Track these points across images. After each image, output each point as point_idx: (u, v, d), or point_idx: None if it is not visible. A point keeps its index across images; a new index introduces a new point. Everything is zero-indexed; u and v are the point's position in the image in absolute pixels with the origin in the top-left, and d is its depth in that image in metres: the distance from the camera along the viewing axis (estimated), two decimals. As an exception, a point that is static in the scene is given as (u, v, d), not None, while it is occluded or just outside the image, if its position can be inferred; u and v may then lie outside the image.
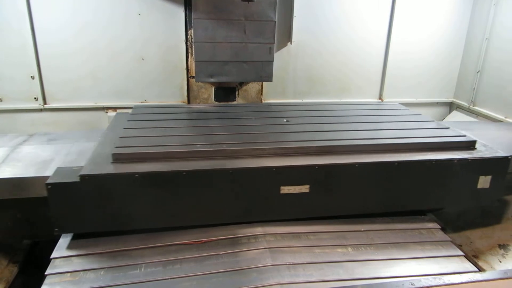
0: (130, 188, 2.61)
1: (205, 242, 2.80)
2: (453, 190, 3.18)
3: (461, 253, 2.87)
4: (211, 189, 2.76)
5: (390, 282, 2.09)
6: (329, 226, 3.05)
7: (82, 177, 2.51)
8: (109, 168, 2.63)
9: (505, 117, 4.69)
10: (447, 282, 2.07)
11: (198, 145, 2.93)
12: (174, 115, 3.74)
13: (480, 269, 3.06)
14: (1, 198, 2.76)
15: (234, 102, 4.77)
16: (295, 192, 2.86)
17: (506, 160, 3.15)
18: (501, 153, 3.19)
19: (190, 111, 3.95)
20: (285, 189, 2.84)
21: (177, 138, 3.10)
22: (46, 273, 2.48)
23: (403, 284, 2.00)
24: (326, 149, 3.04)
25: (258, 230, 2.93)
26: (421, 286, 2.01)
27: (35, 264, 3.00)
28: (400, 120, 3.80)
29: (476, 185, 3.16)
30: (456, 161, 3.05)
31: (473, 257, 3.25)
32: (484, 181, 3.17)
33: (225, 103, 4.75)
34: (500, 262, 3.18)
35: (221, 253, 2.70)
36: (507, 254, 3.23)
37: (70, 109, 4.58)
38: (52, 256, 2.61)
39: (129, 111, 3.92)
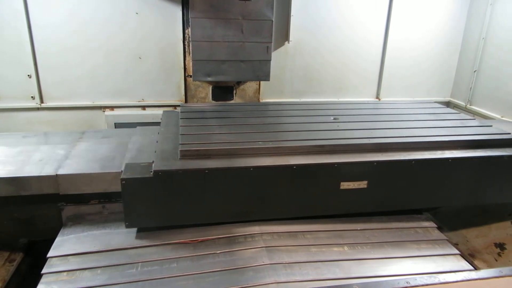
0: (199, 183, 2.71)
1: (202, 241, 2.80)
2: (498, 186, 3.24)
3: (457, 251, 2.88)
4: (275, 185, 2.85)
5: (386, 281, 2.09)
6: (325, 225, 3.06)
7: (156, 172, 2.60)
8: (179, 164, 2.72)
9: (502, 116, 4.71)
10: (442, 280, 2.07)
11: (260, 142, 3.01)
12: (224, 113, 3.76)
13: (476, 268, 3.07)
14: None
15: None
16: (354, 187, 2.96)
17: None
18: None
19: (236, 110, 3.96)
20: (345, 185, 2.94)
21: (236, 135, 3.16)
22: (42, 272, 2.47)
23: (398, 283, 1.99)
24: (381, 146, 3.12)
25: (255, 229, 2.93)
26: (417, 284, 2.01)
27: (31, 263, 2.99)
28: (444, 118, 3.86)
29: None
30: (505, 157, 3.11)
31: (469, 255, 3.27)
32: None
33: (273, 100, 4.85)
34: (496, 260, 3.19)
35: (217, 252, 2.70)
36: (503, 253, 3.24)
37: (67, 108, 4.58)
38: (49, 255, 2.61)
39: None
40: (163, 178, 2.64)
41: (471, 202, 3.35)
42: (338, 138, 3.17)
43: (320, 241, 2.89)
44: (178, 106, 4.78)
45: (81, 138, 3.50)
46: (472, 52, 5.21)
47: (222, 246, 2.76)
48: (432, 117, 3.91)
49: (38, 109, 4.53)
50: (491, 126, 3.62)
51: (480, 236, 3.45)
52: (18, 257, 2.89)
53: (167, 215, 2.79)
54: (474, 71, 5.15)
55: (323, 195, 2.97)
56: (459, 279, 2.10)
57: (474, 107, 5.18)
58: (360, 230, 3.05)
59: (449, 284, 2.08)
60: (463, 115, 4.02)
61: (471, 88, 5.22)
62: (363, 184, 2.96)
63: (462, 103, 5.38)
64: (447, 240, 3.01)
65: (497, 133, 3.41)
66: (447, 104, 5.70)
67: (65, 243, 2.73)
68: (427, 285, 2.02)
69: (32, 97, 4.46)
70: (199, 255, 2.67)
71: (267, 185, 2.84)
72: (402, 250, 2.86)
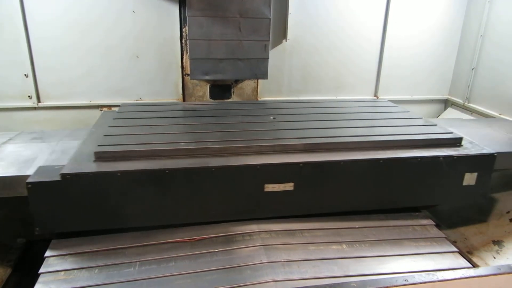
0: (112, 186, 2.60)
1: (199, 239, 2.80)
2: (439, 187, 3.18)
3: (455, 249, 2.88)
4: (194, 187, 2.75)
5: (384, 279, 2.09)
6: (323, 223, 3.07)
7: (63, 175, 2.49)
8: (91, 167, 2.62)
9: (500, 114, 4.70)
10: (440, 278, 2.07)
11: (182, 143, 2.91)
12: (161, 113, 3.72)
13: (475, 265, 3.08)
14: None
15: (229, 100, 4.76)
16: (279, 190, 2.85)
17: (491, 157, 3.15)
18: (487, 150, 3.19)
19: (177, 109, 3.93)
20: (270, 187, 2.83)
21: (162, 136, 3.07)
22: (40, 271, 2.47)
23: (396, 280, 2.00)
24: (312, 146, 3.04)
25: (253, 227, 2.93)
26: (415, 282, 2.01)
27: (29, 262, 2.99)
28: (388, 117, 3.81)
29: (462, 182, 3.17)
30: (441, 158, 3.04)
31: (467, 253, 3.27)
32: (470, 178, 3.17)
33: (219, 100, 4.73)
34: (494, 258, 3.19)
35: (215, 250, 2.70)
36: (501, 250, 3.25)
37: (64, 108, 4.55)
38: (46, 254, 2.60)
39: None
40: (72, 181, 2.51)
41: (405, 203, 3.24)
42: (268, 138, 3.08)
43: (318, 239, 2.90)
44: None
45: (11, 139, 3.37)
46: (470, 49, 5.21)
47: (220, 245, 2.76)
48: (378, 115, 3.87)
49: (35, 108, 4.51)
50: (435, 125, 3.57)
51: (478, 233, 3.45)
52: (16, 256, 2.88)
53: (81, 220, 2.67)
54: (472, 69, 5.15)
55: (246, 198, 2.87)
56: (457, 276, 2.10)
57: (472, 105, 5.18)
58: (358, 228, 3.05)
59: (447, 281, 2.08)
60: (411, 114, 3.96)
61: (469, 86, 5.22)
62: (289, 186, 2.86)
63: (460, 101, 5.38)
64: (445, 237, 3.01)
65: (438, 133, 3.37)
66: (445, 101, 5.70)
67: (63, 243, 2.72)
68: (425, 282, 2.02)
69: (29, 96, 4.44)
70: (197, 253, 2.67)
71: (185, 188, 2.73)
72: (400, 248, 2.86)
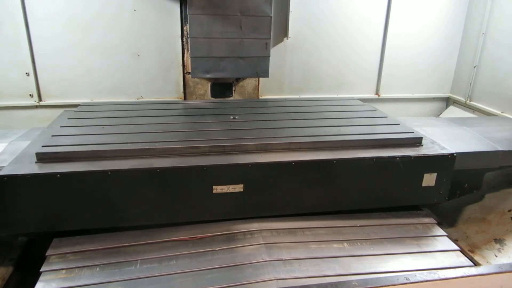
0: (53, 188, 2.54)
1: (201, 238, 2.78)
2: (397, 188, 3.07)
3: (457, 247, 2.88)
4: (138, 189, 2.68)
5: (385, 277, 2.08)
6: (325, 222, 3.06)
7: (1, 177, 2.45)
8: (31, 168, 2.55)
9: (502, 112, 4.69)
10: (442, 276, 2.07)
11: (129, 144, 2.84)
12: (118, 113, 3.65)
13: (476, 264, 3.07)
14: None
15: (195, 99, 4.70)
16: (228, 191, 2.77)
17: (451, 157, 3.05)
18: (447, 149, 3.10)
19: (136, 109, 3.85)
20: (218, 189, 2.75)
21: (111, 137, 3.00)
22: (41, 269, 2.48)
23: (398, 279, 1.99)
24: (263, 147, 2.96)
25: (254, 226, 2.92)
26: (416, 281, 2.01)
27: (31, 261, 2.99)
28: (352, 117, 3.73)
29: (421, 183, 3.07)
30: (398, 158, 2.95)
31: (469, 251, 3.26)
32: (429, 179, 3.07)
33: (187, 100, 4.69)
34: (496, 256, 3.18)
35: (216, 249, 2.69)
36: (503, 249, 3.24)
37: (66, 106, 4.54)
38: (47, 253, 2.61)
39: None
40: (10, 183, 2.46)
41: (362, 205, 3.15)
42: (220, 138, 3.00)
43: (319, 237, 2.89)
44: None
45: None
46: (472, 47, 5.19)
47: (221, 243, 2.75)
48: (342, 114, 3.79)
49: (36, 107, 4.52)
50: (398, 124, 3.50)
51: (480, 232, 3.44)
52: (17, 255, 2.88)
53: (23, 222, 2.61)
54: (474, 67, 5.13)
55: (194, 200, 2.79)
56: (458, 275, 2.10)
57: (474, 103, 5.16)
58: (359, 226, 3.04)
59: (449, 280, 2.08)
60: (378, 113, 3.88)
61: (471, 83, 5.20)
62: (238, 188, 2.78)
63: (462, 99, 5.36)
64: (447, 236, 3.00)
65: (399, 132, 3.28)
66: (447, 100, 5.69)
67: (64, 241, 2.73)
68: (426, 281, 2.01)
69: (30, 95, 4.44)
70: (198, 252, 2.67)
71: (128, 190, 2.65)
72: (402, 246, 2.86)
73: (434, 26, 5.24)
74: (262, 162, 2.78)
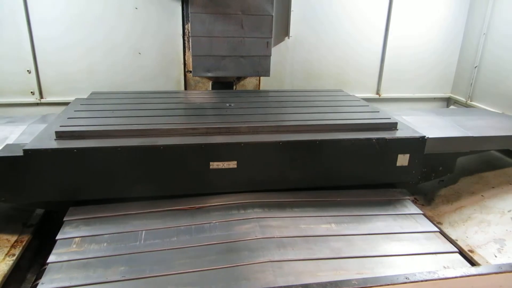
0: (70, 162, 2.84)
1: (199, 208, 3.06)
2: (374, 167, 3.37)
3: (436, 229, 3.06)
4: (145, 163, 2.97)
5: (384, 277, 2.10)
6: (309, 196, 3.31)
7: (26, 151, 2.74)
8: (52, 144, 2.87)
9: (502, 112, 4.70)
10: (441, 276, 2.08)
11: (135, 125, 3.15)
12: (126, 100, 3.95)
13: (476, 264, 3.08)
14: None
15: (195, 89, 4.75)
16: (224, 167, 3.08)
17: (422, 139, 3.34)
18: (418, 133, 3.39)
19: (144, 97, 4.12)
20: (214, 165, 3.06)
21: (119, 119, 3.31)
22: (56, 237, 2.70)
23: (397, 279, 2.01)
24: (254, 129, 3.25)
25: (246, 198, 3.19)
26: (416, 280, 2.02)
27: (48, 229, 3.17)
28: (337, 105, 4.04)
29: (396, 163, 3.36)
30: (374, 140, 3.24)
31: (469, 252, 3.27)
32: (402, 159, 3.36)
33: (187, 90, 4.84)
34: (496, 256, 3.19)
35: (213, 221, 2.92)
36: (502, 249, 3.24)
37: (67, 103, 4.54)
38: (65, 218, 2.90)
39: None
40: (34, 156, 2.76)
41: (342, 182, 3.42)
42: (217, 122, 3.31)
43: (307, 213, 3.11)
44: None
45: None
46: (472, 47, 5.20)
47: (218, 217, 2.98)
48: (328, 103, 4.08)
49: (37, 104, 4.53)
50: (378, 112, 3.78)
51: (480, 232, 3.45)
52: (18, 251, 2.91)
53: (43, 192, 2.91)
54: (475, 67, 5.13)
55: (193, 174, 3.09)
56: (458, 275, 2.11)
57: (474, 103, 5.17)
58: (339, 200, 3.29)
59: (448, 279, 2.09)
60: (361, 102, 4.16)
61: (471, 84, 5.21)
62: (232, 164, 3.08)
63: (462, 99, 5.37)
64: (423, 214, 3.23)
65: (378, 118, 3.58)
66: (448, 100, 5.70)
67: (79, 209, 3.02)
68: (426, 280, 2.02)
69: (31, 92, 4.46)
70: (197, 224, 2.89)
71: (135, 164, 2.96)
72: (384, 225, 3.05)
73: (435, 26, 5.25)
74: (253, 142, 3.08)
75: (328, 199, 3.29)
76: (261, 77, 4.83)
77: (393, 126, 3.46)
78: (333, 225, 3.00)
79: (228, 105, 3.84)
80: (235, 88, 4.76)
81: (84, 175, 2.91)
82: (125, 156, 2.91)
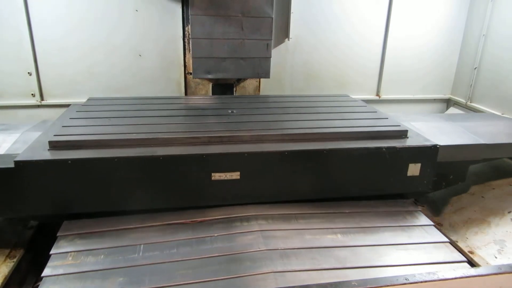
0: (64, 173, 2.71)
1: (200, 221, 2.92)
2: (383, 177, 3.24)
3: (446, 239, 2.96)
4: (143, 175, 2.85)
5: (384, 278, 2.10)
6: (316, 208, 3.19)
7: (17, 163, 2.61)
8: (45, 155, 2.73)
9: (502, 113, 4.70)
10: (441, 277, 2.08)
11: (134, 134, 3.03)
12: (123, 107, 3.81)
13: (476, 265, 3.08)
14: None
15: (197, 95, 4.75)
16: (226, 178, 2.95)
17: (434, 148, 3.22)
18: (430, 141, 3.26)
19: (142, 103, 4.00)
20: (216, 176, 2.92)
21: (116, 128, 3.18)
22: (51, 252, 2.59)
23: (397, 280, 2.01)
24: (258, 138, 3.13)
25: (250, 211, 3.05)
26: (416, 281, 2.02)
27: (42, 242, 3.07)
28: (343, 111, 3.90)
29: (407, 173, 3.24)
30: (384, 149, 3.12)
31: (469, 253, 3.27)
32: (414, 169, 3.23)
33: (189, 96, 4.79)
34: (496, 258, 3.19)
35: (215, 235, 2.79)
36: (502, 250, 3.25)
37: (67, 105, 4.56)
38: (58, 234, 2.77)
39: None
40: (25, 168, 2.63)
41: (351, 193, 3.31)
42: (218, 130, 3.18)
43: (312, 225, 2.99)
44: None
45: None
46: (472, 49, 5.21)
47: (220, 229, 2.86)
48: (335, 109, 3.94)
49: (38, 106, 4.54)
50: (387, 118, 3.65)
51: (480, 233, 3.45)
52: (19, 253, 2.91)
53: (37, 205, 2.78)
54: (475, 68, 5.14)
55: (194, 186, 2.96)
56: (458, 276, 2.11)
57: (474, 104, 5.17)
58: (348, 213, 3.16)
59: (448, 280, 2.09)
60: (368, 108, 4.02)
61: (471, 85, 5.21)
62: (235, 175, 2.95)
63: (462, 100, 5.38)
64: (433, 225, 3.11)
65: (387, 125, 3.45)
66: (448, 101, 5.70)
67: (74, 224, 2.88)
68: (426, 281, 2.03)
69: (32, 94, 4.47)
70: (198, 237, 2.76)
71: (133, 176, 2.83)
72: (392, 236, 2.94)
73: (434, 27, 5.26)
74: (257, 152, 2.95)
75: (335, 211, 3.16)
76: (261, 79, 4.84)
77: (403, 134, 3.34)
78: (339, 235, 2.89)
79: (230, 111, 3.73)
80: (235, 90, 4.77)
81: (79, 188, 2.78)
82: (122, 167, 2.78)
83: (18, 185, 2.69)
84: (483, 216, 3.62)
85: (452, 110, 5.57)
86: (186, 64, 4.64)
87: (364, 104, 4.23)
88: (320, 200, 3.24)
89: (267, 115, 3.69)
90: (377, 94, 5.43)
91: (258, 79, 4.80)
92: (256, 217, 2.99)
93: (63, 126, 3.17)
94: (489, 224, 3.52)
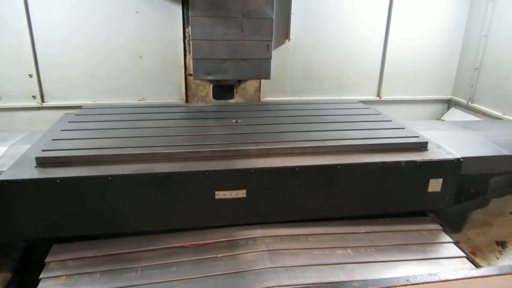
0: (53, 193, 2.49)
1: (203, 244, 2.72)
2: (402, 193, 3.01)
3: (462, 254, 2.84)
4: (140, 194, 2.62)
5: (386, 279, 2.09)
6: (329, 228, 2.98)
7: (1, 182, 2.40)
8: (31, 173, 2.51)
9: (503, 114, 4.69)
10: (442, 278, 2.07)
11: (130, 148, 2.79)
12: (119, 116, 3.62)
13: (477, 266, 3.07)
14: None
15: (200, 102, 4.76)
16: (231, 197, 2.71)
17: (457, 162, 2.98)
18: (453, 154, 3.03)
19: (138, 112, 3.80)
20: (220, 194, 2.69)
21: (112, 141, 2.94)
22: (40, 276, 2.42)
23: (398, 280, 2.00)
24: (266, 151, 2.90)
25: (257, 232, 2.84)
26: (417, 282, 2.01)
27: (31, 264, 2.92)
28: (356, 120, 3.67)
29: (427, 189, 3.00)
30: (403, 163, 2.89)
31: (470, 254, 3.26)
32: (435, 184, 3.00)
33: (191, 103, 4.70)
34: (497, 258, 3.18)
35: (219, 255, 2.62)
36: (504, 251, 3.24)
37: (68, 107, 4.57)
38: (46, 259, 2.55)
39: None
40: (10, 189, 2.40)
41: (366, 211, 3.07)
42: (223, 143, 2.95)
43: (323, 244, 2.81)
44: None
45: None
46: (473, 49, 5.20)
47: (223, 250, 2.68)
48: (346, 118, 3.72)
49: (39, 108, 4.54)
50: (403, 128, 3.44)
51: (482, 234, 3.44)
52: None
53: (21, 228, 2.55)
54: (476, 69, 5.13)
55: (196, 206, 2.72)
56: (459, 277, 2.10)
57: (475, 105, 5.16)
58: (364, 233, 2.94)
59: (450, 282, 2.08)
60: (382, 116, 3.82)
61: (472, 85, 5.20)
62: (241, 193, 2.71)
63: (463, 101, 5.36)
64: (453, 242, 2.94)
65: (404, 136, 3.22)
66: (449, 101, 5.69)
67: (64, 247, 2.66)
68: (427, 283, 2.02)
69: (33, 96, 4.47)
70: (200, 258, 2.60)
71: (129, 195, 2.60)
72: (407, 253, 2.78)
73: (435, 28, 5.25)
74: (265, 168, 2.72)
75: (350, 232, 2.96)
76: (262, 80, 4.84)
77: (422, 146, 3.10)
78: (349, 250, 2.76)
79: (234, 121, 3.54)
80: (236, 91, 4.77)
81: (69, 209, 2.54)
82: (117, 187, 2.55)
83: (2, 207, 2.46)
84: (485, 217, 3.62)
85: (453, 110, 5.56)
86: (187, 66, 4.64)
87: (377, 111, 4.05)
88: (333, 219, 3.02)
89: (274, 125, 3.48)
90: (378, 95, 5.42)
91: (258, 80, 4.80)
92: (263, 239, 2.79)
93: (53, 140, 2.95)
94: (491, 225, 3.51)
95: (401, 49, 5.22)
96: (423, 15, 5.15)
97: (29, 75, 4.38)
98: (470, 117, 5.15)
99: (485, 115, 4.97)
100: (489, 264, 3.13)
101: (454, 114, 5.46)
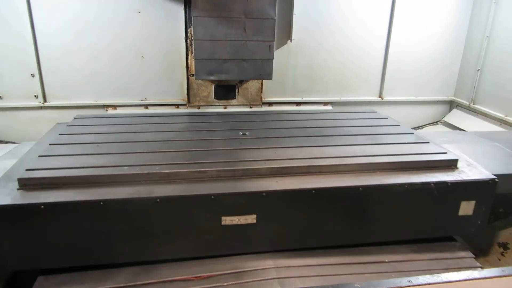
0: (37, 220, 2.21)
1: (207, 277, 2.45)
2: (429, 217, 2.75)
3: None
4: (136, 221, 2.36)
5: (388, 280, 2.08)
6: (349, 257, 2.70)
7: None
8: (12, 197, 2.23)
9: (505, 115, 4.68)
10: (444, 279, 2.06)
11: (125, 167, 2.51)
12: (115, 127, 3.33)
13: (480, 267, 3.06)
14: None
15: (207, 110, 4.76)
16: (239, 223, 2.45)
17: (492, 182, 2.68)
18: (487, 174, 2.72)
19: (136, 122, 3.52)
20: (227, 220, 2.43)
21: (106, 158, 2.66)
22: None
23: (400, 282, 1.99)
24: (279, 171, 2.61)
25: (268, 262, 2.56)
26: (419, 283, 2.00)
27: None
28: (376, 133, 3.38)
29: (458, 212, 2.75)
30: (432, 184, 2.61)
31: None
32: (466, 207, 2.73)
33: (192, 109, 4.68)
34: (499, 260, 3.18)
35: (224, 284, 2.39)
36: (506, 253, 3.23)
37: (70, 107, 4.59)
38: None
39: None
40: None
41: (389, 237, 2.81)
42: (229, 161, 2.66)
43: (340, 271, 2.57)
44: (179, 105, 4.79)
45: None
46: (475, 51, 5.19)
47: (230, 280, 2.43)
48: (364, 130, 3.42)
49: (41, 108, 4.55)
50: (428, 143, 3.14)
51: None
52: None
53: (1, 259, 2.28)
54: (478, 70, 5.12)
55: (199, 233, 2.46)
56: (461, 278, 2.09)
57: (477, 106, 5.16)
58: (387, 262, 2.67)
59: (452, 283, 2.07)
60: (403, 128, 3.51)
61: (474, 87, 5.20)
62: (251, 219, 2.45)
63: (465, 102, 5.36)
64: (481, 267, 2.75)
65: (431, 153, 2.93)
66: (451, 103, 5.68)
67: (50, 280, 2.39)
68: (429, 284, 2.01)
69: (35, 96, 4.47)
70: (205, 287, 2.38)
71: (124, 222, 2.32)
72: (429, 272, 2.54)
73: (437, 29, 5.24)
74: (278, 190, 2.44)
75: (372, 261, 2.65)
76: (264, 80, 4.84)
77: (452, 164, 2.80)
78: (367, 275, 2.51)
79: (241, 134, 3.26)
80: (238, 91, 4.77)
81: (55, 239, 2.26)
82: (110, 213, 2.27)
83: None
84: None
85: (455, 112, 5.55)
86: (189, 66, 4.64)
87: (397, 122, 3.71)
88: (354, 246, 2.75)
89: (286, 138, 3.17)
90: (380, 96, 5.41)
91: (260, 81, 4.80)
92: (275, 269, 2.51)
93: (39, 156, 2.64)
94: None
95: (403, 50, 5.22)
96: (425, 17, 5.14)
97: (31, 74, 4.38)
98: (472, 119, 5.15)
99: (487, 117, 4.96)
100: (490, 266, 3.12)
101: (456, 116, 5.45)
